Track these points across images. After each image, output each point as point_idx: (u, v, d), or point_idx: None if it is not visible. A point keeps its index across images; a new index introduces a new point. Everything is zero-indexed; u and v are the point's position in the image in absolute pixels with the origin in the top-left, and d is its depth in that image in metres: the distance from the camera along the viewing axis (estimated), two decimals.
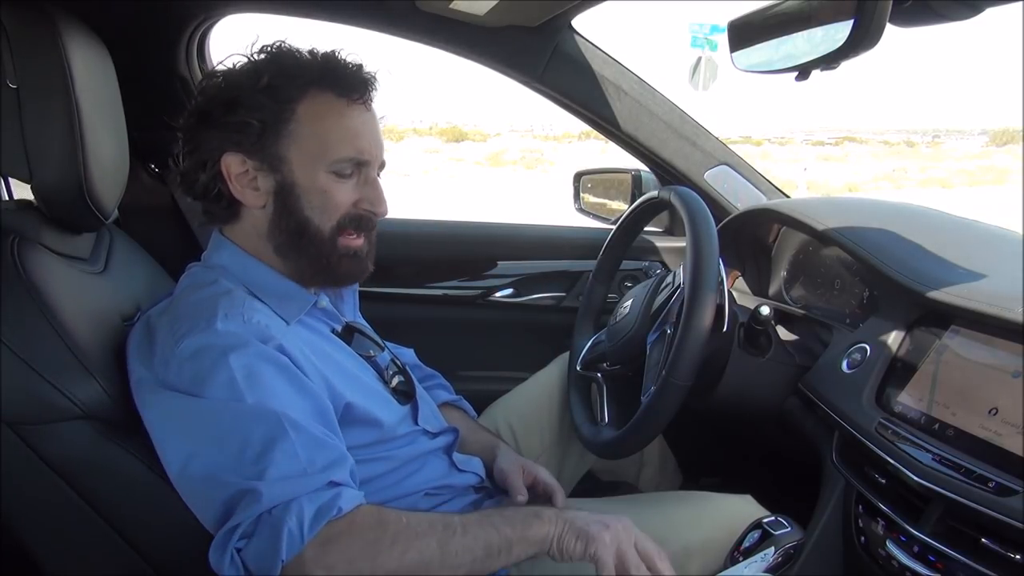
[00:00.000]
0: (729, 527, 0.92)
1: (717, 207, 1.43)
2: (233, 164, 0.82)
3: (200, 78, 1.31)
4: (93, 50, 0.91)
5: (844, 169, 18.91)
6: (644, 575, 0.76)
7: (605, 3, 1.18)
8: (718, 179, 1.46)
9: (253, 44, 0.84)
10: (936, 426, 0.81)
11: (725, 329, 1.01)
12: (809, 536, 0.89)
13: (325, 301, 0.92)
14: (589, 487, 1.32)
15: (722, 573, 0.85)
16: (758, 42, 0.86)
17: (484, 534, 0.74)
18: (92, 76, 0.88)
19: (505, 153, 21.75)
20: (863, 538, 0.85)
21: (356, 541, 0.70)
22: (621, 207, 1.56)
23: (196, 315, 0.78)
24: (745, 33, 0.88)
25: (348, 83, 0.84)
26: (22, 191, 0.91)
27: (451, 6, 1.21)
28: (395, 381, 0.95)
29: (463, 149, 24.08)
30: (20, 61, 0.80)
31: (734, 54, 0.90)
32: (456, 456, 0.98)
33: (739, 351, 1.04)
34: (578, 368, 1.26)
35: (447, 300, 1.56)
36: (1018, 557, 0.68)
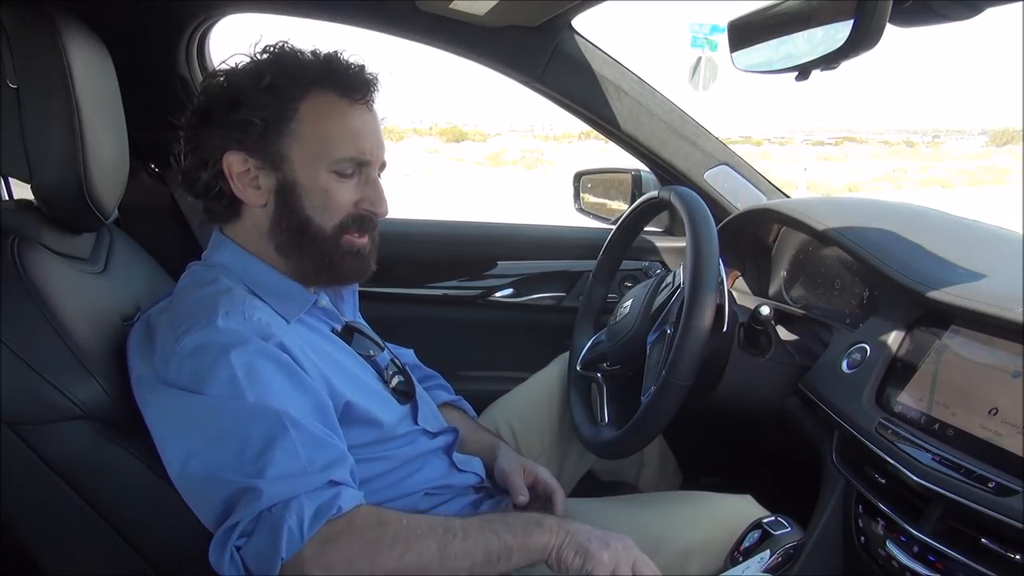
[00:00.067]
0: (729, 527, 0.92)
1: (717, 207, 1.43)
2: (235, 163, 0.82)
3: (200, 78, 1.32)
4: (93, 50, 0.91)
5: (844, 169, 18.91)
6: None
7: (605, 3, 1.18)
8: (718, 179, 1.46)
9: (255, 44, 0.84)
10: (936, 426, 0.81)
11: (725, 329, 1.01)
12: (809, 536, 0.89)
13: (325, 300, 0.92)
14: (589, 487, 1.32)
15: (721, 575, 0.85)
16: (758, 42, 0.86)
17: (484, 539, 0.74)
18: (92, 76, 0.88)
19: (505, 153, 21.75)
20: (863, 538, 0.85)
21: (355, 540, 0.70)
22: (621, 207, 1.56)
23: (197, 313, 0.78)
24: (745, 33, 0.88)
25: (350, 83, 0.84)
26: (22, 191, 0.92)
27: (451, 6, 1.21)
28: (395, 381, 0.95)
29: (463, 149, 24.08)
30: (20, 61, 0.80)
31: (734, 54, 0.90)
32: (456, 456, 0.98)
33: (739, 351, 1.04)
34: (578, 368, 1.26)
35: (447, 300, 1.56)
36: (1018, 557, 0.68)
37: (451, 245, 1.58)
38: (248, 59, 0.84)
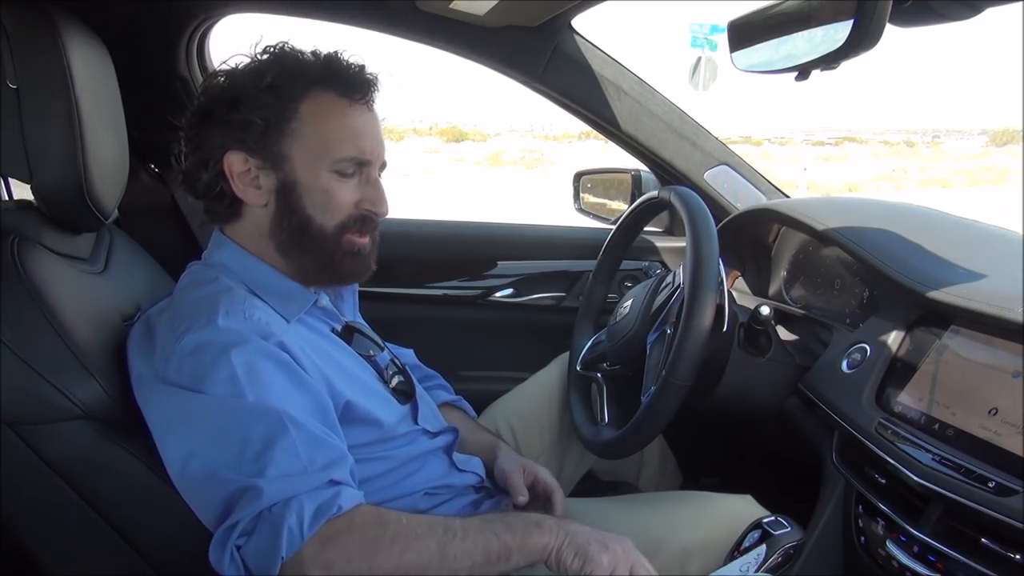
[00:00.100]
0: (729, 527, 0.92)
1: (717, 207, 1.43)
2: (235, 162, 0.83)
3: (200, 78, 1.32)
4: (93, 50, 0.91)
5: (844, 169, 18.92)
6: None
7: (605, 3, 1.18)
8: (718, 179, 1.46)
9: (256, 44, 0.85)
10: (936, 426, 0.81)
11: (725, 329, 1.01)
12: (809, 536, 0.89)
13: (325, 300, 0.92)
14: (589, 487, 1.32)
15: (714, 573, 0.85)
16: (758, 42, 0.86)
17: (484, 540, 0.74)
18: (92, 76, 0.88)
19: (505, 153, 21.76)
20: (863, 538, 0.85)
21: (355, 540, 0.70)
22: (621, 207, 1.56)
23: (197, 312, 0.78)
24: (745, 33, 0.88)
25: (351, 83, 0.84)
26: (22, 191, 0.92)
27: (451, 6, 1.21)
28: (395, 381, 0.95)
29: (463, 149, 24.08)
30: (20, 61, 0.80)
31: (734, 54, 0.90)
32: (456, 456, 0.98)
33: (739, 351, 1.04)
34: (578, 368, 1.26)
35: (447, 300, 1.56)
36: (1018, 557, 0.68)
37: (451, 245, 1.58)
38: (248, 59, 0.85)
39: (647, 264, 1.56)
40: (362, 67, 0.86)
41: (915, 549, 0.76)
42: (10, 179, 0.98)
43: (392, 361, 0.99)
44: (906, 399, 0.86)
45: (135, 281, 1.03)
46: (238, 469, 0.70)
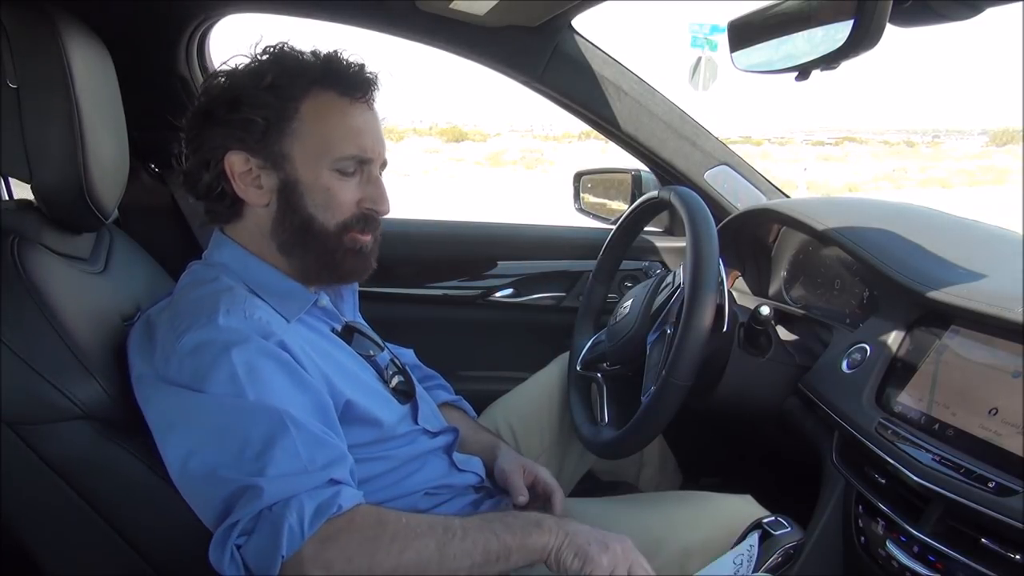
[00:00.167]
0: (729, 527, 0.92)
1: (717, 207, 1.43)
2: (237, 162, 0.83)
3: (200, 78, 1.32)
4: (93, 50, 0.91)
5: (844, 169, 18.92)
6: None
7: (605, 3, 1.18)
8: (718, 179, 1.46)
9: (256, 45, 0.85)
10: (936, 426, 0.81)
11: (725, 329, 1.01)
12: (809, 536, 0.89)
13: (325, 300, 0.92)
14: (589, 487, 1.32)
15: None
16: (758, 42, 0.86)
17: (483, 539, 0.74)
18: (92, 76, 0.88)
19: (505, 153, 21.76)
20: (863, 538, 0.85)
21: (355, 539, 0.70)
22: (621, 207, 1.56)
23: (197, 311, 0.78)
24: (745, 33, 0.88)
25: (351, 82, 0.85)
26: (22, 191, 0.92)
27: (451, 6, 1.21)
28: (395, 381, 0.95)
29: (463, 149, 24.09)
30: (20, 61, 0.80)
31: (734, 54, 0.90)
32: (456, 456, 0.98)
33: (739, 351, 1.04)
34: (578, 368, 1.26)
35: (447, 300, 1.56)
36: (1018, 557, 0.68)
37: (451, 245, 1.58)
38: (248, 60, 0.85)
39: (647, 264, 1.56)
40: (362, 66, 0.86)
41: (915, 549, 0.76)
42: (10, 179, 0.98)
43: (392, 361, 0.99)
44: (906, 399, 0.86)
45: (135, 281, 1.03)
46: (238, 468, 0.71)
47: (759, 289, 1.37)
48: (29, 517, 0.83)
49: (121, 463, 0.81)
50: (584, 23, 1.39)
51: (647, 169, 1.53)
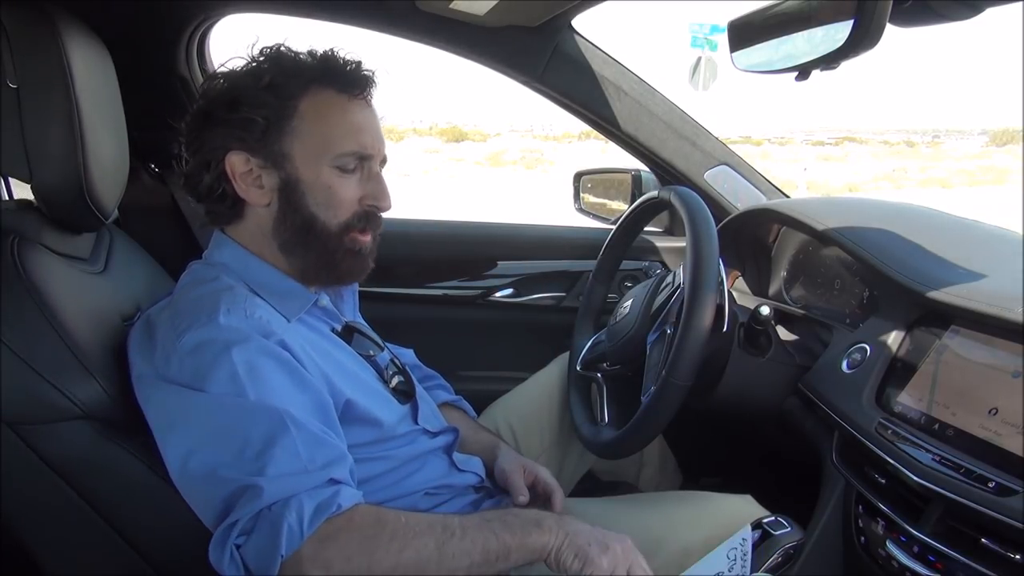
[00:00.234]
0: (729, 527, 0.92)
1: (717, 207, 1.43)
2: (237, 163, 0.83)
3: (200, 78, 1.32)
4: (93, 50, 0.91)
5: (844, 169, 18.92)
6: None
7: (605, 3, 1.18)
8: (718, 179, 1.46)
9: (253, 46, 0.85)
10: (936, 426, 0.81)
11: (725, 329, 1.01)
12: (809, 536, 0.89)
13: (325, 300, 0.92)
14: (589, 487, 1.32)
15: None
16: (758, 42, 0.86)
17: (483, 539, 0.74)
18: (92, 76, 0.88)
19: (505, 153, 21.77)
20: (863, 538, 0.85)
21: (354, 538, 0.70)
22: (621, 207, 1.56)
23: (197, 310, 0.78)
24: (745, 33, 0.88)
25: (349, 79, 0.85)
26: (22, 191, 0.92)
27: (451, 6, 1.21)
28: (395, 381, 0.95)
29: (463, 149, 24.09)
30: (20, 61, 0.80)
31: (734, 54, 0.90)
32: (456, 456, 0.98)
33: (739, 351, 1.04)
34: (578, 368, 1.26)
35: (447, 300, 1.56)
36: (1018, 557, 0.68)
37: (451, 245, 1.58)
38: (246, 61, 0.85)
39: (647, 264, 1.56)
40: (359, 63, 0.86)
41: (915, 549, 0.76)
42: (10, 179, 0.98)
43: (392, 361, 0.99)
44: (906, 399, 0.86)
45: (135, 281, 1.03)
46: (238, 468, 0.71)
47: (759, 289, 1.37)
48: (29, 517, 0.83)
49: (121, 463, 0.81)
50: (584, 23, 1.40)
51: (647, 169, 1.53)
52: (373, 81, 0.87)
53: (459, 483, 0.97)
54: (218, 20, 1.33)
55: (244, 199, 0.85)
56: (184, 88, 1.33)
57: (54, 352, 0.78)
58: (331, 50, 0.85)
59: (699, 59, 9.90)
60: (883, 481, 0.84)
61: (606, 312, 1.32)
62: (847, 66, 0.73)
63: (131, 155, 1.00)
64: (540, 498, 1.00)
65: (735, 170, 1.47)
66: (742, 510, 0.98)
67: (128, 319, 0.92)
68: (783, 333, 1.13)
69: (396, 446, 0.90)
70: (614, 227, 1.32)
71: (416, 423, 0.95)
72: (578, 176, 1.68)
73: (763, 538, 0.87)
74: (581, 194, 1.67)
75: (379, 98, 0.88)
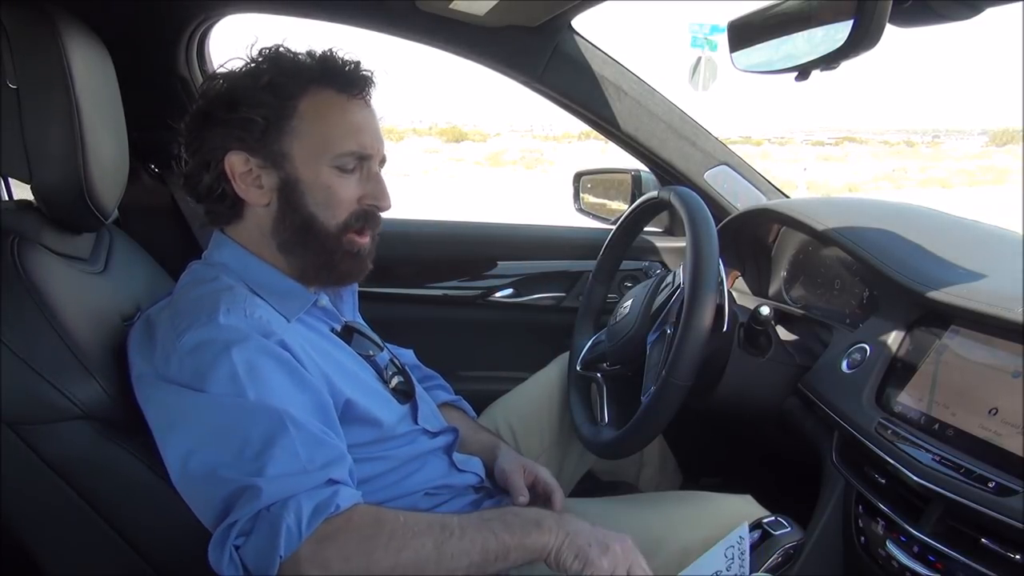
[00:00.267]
0: (729, 527, 0.92)
1: (717, 207, 1.43)
2: (237, 163, 0.83)
3: (200, 78, 1.32)
4: (93, 50, 0.91)
5: (844, 169, 18.92)
6: None
7: (605, 3, 1.18)
8: (718, 179, 1.46)
9: (251, 47, 0.85)
10: (936, 426, 0.81)
11: (725, 329, 1.01)
12: (809, 536, 0.89)
13: (325, 300, 0.92)
14: (589, 487, 1.32)
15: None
16: (758, 42, 0.86)
17: (482, 539, 0.74)
18: (92, 76, 0.88)
19: (505, 153, 21.77)
20: (863, 538, 0.85)
21: (352, 538, 0.70)
22: (621, 207, 1.56)
23: (197, 310, 0.78)
24: (745, 33, 0.88)
25: (348, 79, 0.85)
26: (22, 191, 0.92)
27: (451, 6, 1.21)
28: (394, 381, 0.95)
29: (463, 149, 24.09)
30: (20, 61, 0.80)
31: (734, 54, 0.90)
32: (456, 456, 0.98)
33: (739, 351, 1.04)
34: (578, 368, 1.26)
35: (447, 300, 1.56)
36: (1018, 557, 0.68)
37: (451, 245, 1.58)
38: (245, 62, 0.85)
39: (647, 264, 1.56)
40: (358, 63, 0.86)
41: (915, 549, 0.76)
42: (10, 179, 0.98)
43: (391, 361, 0.99)
44: (906, 399, 0.86)
45: (135, 281, 1.03)
46: (238, 468, 0.70)
47: (759, 289, 1.37)
48: (29, 517, 0.83)
49: (121, 463, 0.81)
50: (584, 23, 1.40)
51: (647, 169, 1.53)
52: (372, 81, 0.87)
53: (459, 483, 0.97)
54: (218, 20, 1.33)
55: (243, 199, 0.85)
56: (184, 88, 1.33)
57: (54, 352, 0.78)
58: (330, 50, 0.85)
59: (699, 59, 9.90)
60: (883, 481, 0.84)
61: (606, 312, 1.32)
62: (847, 66, 0.73)
63: (131, 155, 1.00)
64: (540, 498, 1.00)
65: (735, 170, 1.47)
66: (742, 510, 0.98)
67: (128, 319, 0.92)
68: (783, 333, 1.13)
69: (396, 446, 0.90)
70: (614, 227, 1.32)
71: (416, 423, 0.95)
72: (578, 176, 1.68)
73: (763, 538, 0.87)
74: (581, 194, 1.67)
75: (378, 98, 0.89)
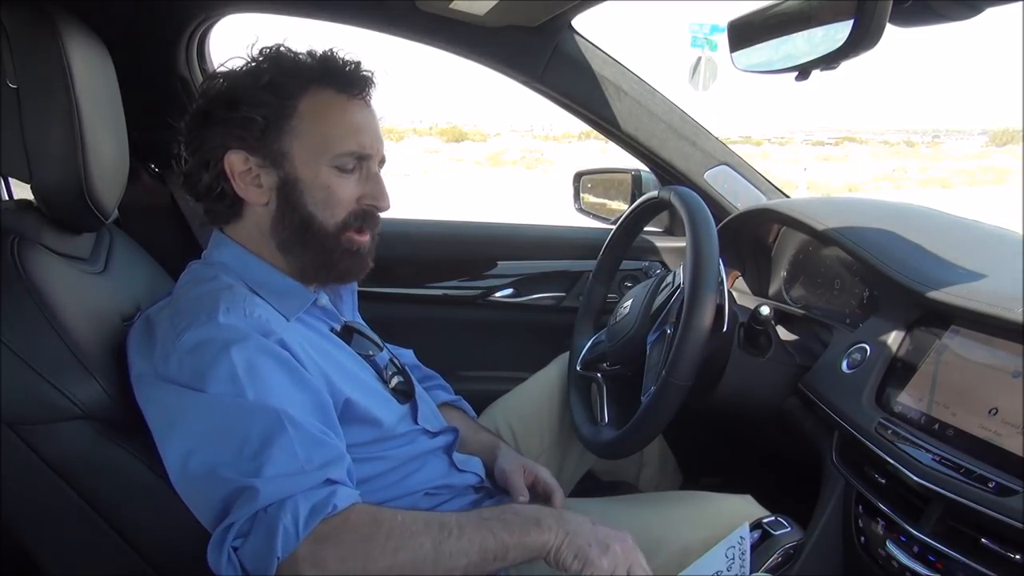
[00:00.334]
0: (729, 527, 0.92)
1: (717, 207, 1.43)
2: (236, 162, 0.83)
3: (200, 78, 1.32)
4: (93, 50, 0.91)
5: (844, 169, 18.93)
6: None
7: (605, 3, 1.18)
8: (718, 179, 1.46)
9: (252, 46, 0.85)
10: (936, 426, 0.81)
11: (725, 329, 1.01)
12: (809, 536, 0.89)
13: (324, 300, 0.92)
14: (589, 487, 1.32)
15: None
16: (758, 42, 0.86)
17: (480, 538, 0.74)
18: (92, 76, 0.88)
19: (505, 153, 21.77)
20: (863, 538, 0.85)
21: (350, 538, 0.70)
22: (621, 207, 1.56)
23: (197, 309, 0.78)
24: (745, 33, 0.88)
25: (348, 79, 0.85)
26: (22, 191, 0.92)
27: (451, 6, 1.21)
28: (394, 381, 0.95)
29: (463, 149, 24.10)
30: (20, 61, 0.80)
31: (734, 54, 0.90)
32: (456, 456, 0.98)
33: (739, 351, 1.04)
34: (578, 368, 1.26)
35: (447, 300, 1.56)
36: (1018, 557, 0.68)
37: (451, 245, 1.58)
38: (245, 61, 0.85)
39: (647, 264, 1.56)
40: (358, 63, 0.86)
41: (915, 549, 0.76)
42: (10, 179, 0.98)
43: (391, 361, 0.99)
44: (906, 399, 0.86)
45: (135, 281, 1.03)
46: (236, 468, 0.70)
47: (759, 289, 1.37)
48: (29, 517, 0.83)
49: (121, 463, 0.81)
50: (584, 23, 1.40)
51: (647, 169, 1.53)
52: (372, 81, 0.87)
53: (459, 483, 0.97)
54: (218, 20, 1.33)
55: (243, 198, 0.85)
56: (184, 88, 1.33)
57: (54, 352, 0.78)
58: (330, 50, 0.85)
59: (699, 59, 9.90)
60: (883, 481, 0.84)
61: (606, 312, 1.32)
62: (847, 66, 0.73)
63: (131, 155, 1.00)
64: (540, 498, 1.00)
65: (735, 170, 1.47)
66: (742, 510, 0.98)
67: (128, 319, 0.92)
68: (783, 333, 1.13)
69: (396, 446, 0.90)
70: (614, 227, 1.32)
71: (416, 423, 0.94)
72: (578, 176, 1.68)
73: (763, 538, 0.87)
74: (581, 194, 1.67)
75: (378, 98, 0.89)
